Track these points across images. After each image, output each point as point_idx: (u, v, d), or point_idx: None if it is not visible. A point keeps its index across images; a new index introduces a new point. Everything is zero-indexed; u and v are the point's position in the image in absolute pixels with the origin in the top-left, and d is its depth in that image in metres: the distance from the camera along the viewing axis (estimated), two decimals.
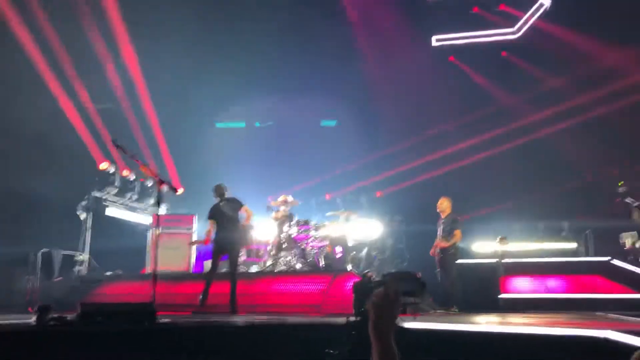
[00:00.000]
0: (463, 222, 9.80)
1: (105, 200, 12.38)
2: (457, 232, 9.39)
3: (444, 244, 9.35)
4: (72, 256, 11.36)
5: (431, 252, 9.69)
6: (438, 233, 9.61)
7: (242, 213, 9.06)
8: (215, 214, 8.81)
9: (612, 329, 4.37)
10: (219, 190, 8.93)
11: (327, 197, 13.99)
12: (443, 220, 9.59)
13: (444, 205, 9.67)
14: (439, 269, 9.50)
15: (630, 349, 3.89)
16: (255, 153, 14.84)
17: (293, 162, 14.67)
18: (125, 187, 12.89)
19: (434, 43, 15.04)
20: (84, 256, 11.45)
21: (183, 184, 12.90)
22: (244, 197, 9.12)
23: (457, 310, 9.00)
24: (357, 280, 5.06)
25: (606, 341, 4.11)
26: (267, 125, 16.47)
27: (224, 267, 9.18)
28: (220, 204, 8.82)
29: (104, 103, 13.88)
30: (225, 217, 8.71)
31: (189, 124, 15.20)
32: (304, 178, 14.03)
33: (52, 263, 10.85)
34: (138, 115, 13.99)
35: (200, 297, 8.31)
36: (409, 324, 5.08)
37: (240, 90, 14.84)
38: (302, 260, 10.27)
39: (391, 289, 1.76)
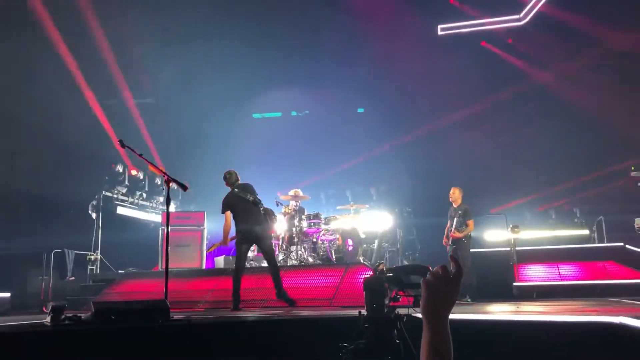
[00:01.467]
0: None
1: (116, 199, 12.46)
2: (470, 223, 9.35)
3: (458, 235, 9.30)
4: (85, 255, 11.44)
5: (444, 241, 9.65)
6: (450, 223, 9.56)
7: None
8: (230, 204, 7.90)
9: (627, 315, 4.33)
10: (231, 177, 8.04)
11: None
12: (456, 210, 9.53)
13: (456, 194, 9.63)
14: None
15: None
16: (267, 146, 14.78)
17: (305, 155, 14.65)
18: (134, 186, 12.99)
19: (439, 32, 14.93)
20: (96, 255, 11.52)
21: (192, 181, 12.93)
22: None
23: (469, 300, 8.97)
24: (368, 274, 5.04)
25: (622, 326, 4.07)
26: (303, 114, 16.40)
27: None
28: (235, 190, 7.97)
29: (144, 98, 14.07)
30: (244, 203, 7.86)
31: (224, 116, 15.15)
32: (314, 172, 14.00)
33: (65, 263, 10.93)
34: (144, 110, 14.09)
35: (232, 300, 7.62)
36: (421, 315, 5.06)
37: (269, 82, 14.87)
38: (314, 254, 10.28)
39: (456, 271, 1.60)
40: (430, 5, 14.73)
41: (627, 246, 10.66)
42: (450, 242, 9.45)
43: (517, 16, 14.53)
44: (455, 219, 9.44)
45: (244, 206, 7.89)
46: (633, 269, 10.14)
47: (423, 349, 1.56)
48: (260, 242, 8.04)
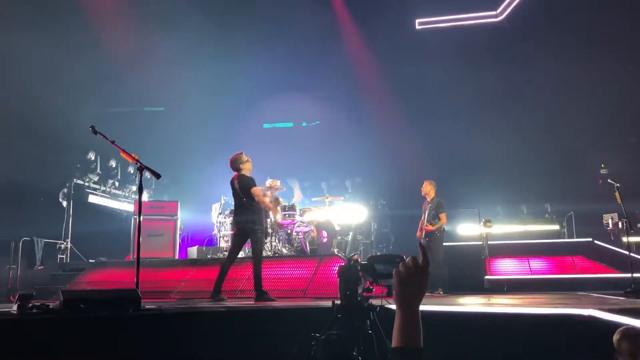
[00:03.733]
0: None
1: (88, 187, 12.23)
2: (443, 216, 9.41)
3: (430, 228, 9.37)
4: (55, 244, 11.22)
5: (418, 234, 9.71)
6: (423, 216, 9.62)
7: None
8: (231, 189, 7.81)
9: (596, 307, 4.42)
10: (233, 163, 7.80)
11: None
12: (429, 203, 9.59)
13: (427, 188, 9.68)
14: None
15: (614, 326, 3.93)
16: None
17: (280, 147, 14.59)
18: (106, 174, 12.77)
19: (417, 26, 14.98)
20: (67, 244, 11.30)
21: (165, 171, 12.77)
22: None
23: (441, 292, 9.06)
24: (342, 264, 5.04)
25: (591, 319, 4.14)
26: (314, 124, 16.36)
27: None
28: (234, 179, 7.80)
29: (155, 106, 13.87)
30: (237, 194, 7.74)
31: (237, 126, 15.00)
32: (289, 164, 13.92)
33: (34, 251, 10.70)
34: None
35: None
36: (394, 306, 5.08)
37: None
38: (288, 245, 10.25)
39: (422, 260, 1.65)
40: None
41: (596, 242, 10.91)
42: (423, 235, 9.50)
43: (494, 12, 14.65)
44: (427, 212, 9.50)
45: (236, 197, 7.81)
46: (601, 264, 10.39)
47: (395, 335, 1.63)
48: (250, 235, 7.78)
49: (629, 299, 6.81)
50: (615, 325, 3.90)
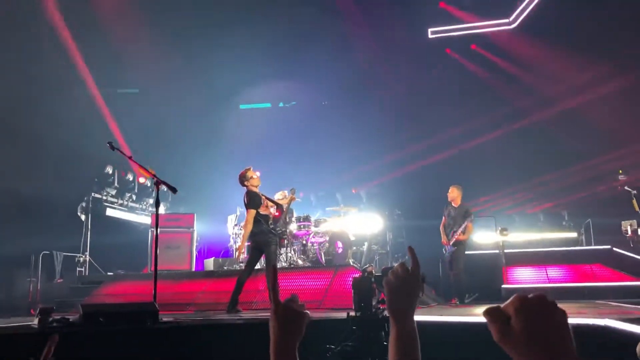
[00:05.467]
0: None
1: (105, 201, 12.41)
2: (470, 225, 9.35)
3: (462, 237, 9.27)
4: (74, 257, 11.38)
5: (443, 241, 9.60)
6: (445, 221, 9.53)
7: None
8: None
9: (612, 317, 4.39)
10: (240, 179, 7.94)
11: (354, 191, 13.87)
12: (455, 210, 9.50)
13: (455, 193, 9.54)
14: (449, 261, 9.49)
15: (630, 336, 3.91)
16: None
17: (293, 156, 14.63)
18: (124, 188, 12.95)
19: (430, 35, 15.01)
20: (85, 257, 11.46)
21: (181, 183, 12.91)
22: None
23: (457, 302, 9.02)
24: (357, 275, 5.07)
25: (606, 329, 4.12)
26: (290, 105, 16.42)
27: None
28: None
29: (128, 87, 14.18)
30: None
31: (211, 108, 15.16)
32: (304, 174, 13.97)
33: (54, 265, 10.88)
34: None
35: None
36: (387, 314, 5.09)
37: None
38: (303, 256, 10.29)
39: (413, 265, 1.56)
40: (420, 9, 14.79)
41: (614, 249, 10.77)
42: (451, 243, 9.42)
43: (506, 20, 14.63)
44: (455, 219, 9.41)
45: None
46: (620, 272, 10.25)
47: (390, 348, 1.53)
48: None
49: None
50: (631, 335, 3.88)
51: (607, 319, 4.25)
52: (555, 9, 13.75)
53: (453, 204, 9.59)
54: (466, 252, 9.65)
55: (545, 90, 14.01)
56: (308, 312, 1.54)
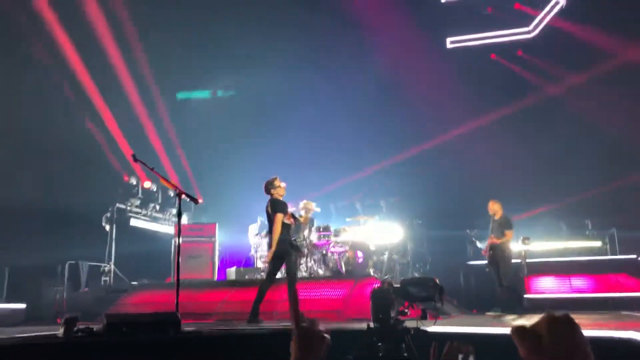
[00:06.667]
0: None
1: (129, 211, 12.61)
2: (508, 232, 9.36)
3: (496, 241, 9.35)
4: (99, 267, 11.58)
5: (483, 252, 9.71)
6: (491, 234, 9.61)
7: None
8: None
9: (637, 329, 4.34)
10: (266, 187, 7.98)
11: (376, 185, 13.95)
12: (496, 222, 9.57)
13: (495, 207, 9.65)
14: (488, 269, 9.50)
15: None
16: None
17: (313, 166, 14.69)
18: (147, 198, 13.15)
19: (448, 45, 14.99)
20: (110, 267, 11.65)
21: (204, 194, 13.10)
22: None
23: (499, 311, 8.98)
24: (375, 286, 5.09)
25: (630, 342, 4.08)
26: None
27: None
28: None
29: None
30: (268, 218, 7.92)
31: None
32: (323, 183, 14.03)
33: (79, 274, 11.08)
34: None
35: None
36: (431, 328, 5.09)
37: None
38: (324, 266, 10.32)
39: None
40: (439, 18, 14.80)
41: (639, 259, 10.60)
42: (488, 250, 9.49)
43: (526, 29, 14.54)
44: (498, 231, 9.46)
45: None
46: None
47: None
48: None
49: None
50: None
51: (631, 331, 4.21)
52: (575, 18, 13.67)
53: (495, 217, 9.64)
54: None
55: (568, 99, 13.88)
56: (328, 336, 1.54)
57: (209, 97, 16.62)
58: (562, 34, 13.84)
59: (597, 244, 11.97)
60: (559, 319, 1.07)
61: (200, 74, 15.24)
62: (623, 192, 12.60)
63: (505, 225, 9.39)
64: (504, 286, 9.18)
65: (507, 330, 5.26)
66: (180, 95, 16.37)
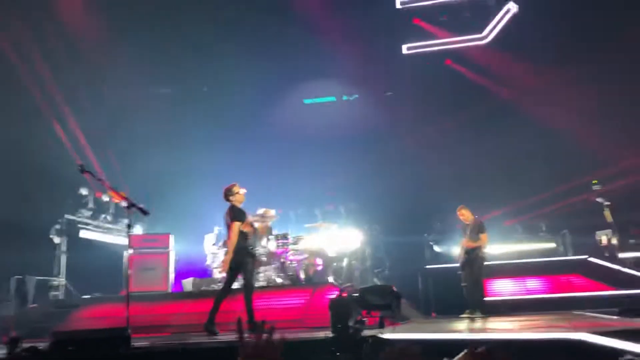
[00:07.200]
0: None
1: (80, 222, 12.19)
2: (483, 236, 9.42)
3: (471, 244, 9.38)
4: (48, 281, 11.13)
5: (459, 258, 9.73)
6: (464, 238, 9.64)
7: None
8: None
9: (587, 330, 4.41)
10: (225, 194, 7.77)
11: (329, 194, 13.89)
12: (470, 226, 9.61)
13: (464, 212, 9.69)
14: (461, 272, 9.55)
15: (604, 350, 3.93)
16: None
17: (271, 174, 14.58)
18: (99, 209, 12.74)
19: (405, 51, 15.15)
20: (60, 281, 11.22)
21: (159, 203, 12.80)
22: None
23: (479, 313, 9.03)
24: (334, 295, 5.03)
25: (581, 343, 4.13)
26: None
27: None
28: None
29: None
30: (227, 226, 7.71)
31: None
32: (281, 191, 13.93)
33: (26, 289, 10.61)
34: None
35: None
36: (388, 335, 5.06)
37: None
38: (283, 274, 10.20)
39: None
40: (394, 25, 14.97)
41: (591, 259, 10.91)
42: (463, 254, 9.52)
43: (480, 35, 14.85)
44: (468, 234, 9.53)
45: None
46: (597, 282, 10.37)
47: None
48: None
49: (623, 319, 6.80)
50: (605, 349, 3.90)
51: (582, 333, 4.27)
52: (528, 24, 14.02)
53: (467, 222, 9.70)
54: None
55: (521, 104, 14.21)
56: (281, 345, 1.47)
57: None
58: (515, 39, 14.18)
59: (551, 245, 12.28)
60: (480, 355, 1.08)
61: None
62: (573, 195, 12.97)
63: (480, 229, 9.49)
64: (477, 288, 9.26)
65: (461, 335, 5.25)
66: None
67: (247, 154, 14.93)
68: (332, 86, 16.03)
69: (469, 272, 9.38)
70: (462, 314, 9.19)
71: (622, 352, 3.66)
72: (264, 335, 1.44)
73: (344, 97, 16.37)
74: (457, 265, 10.29)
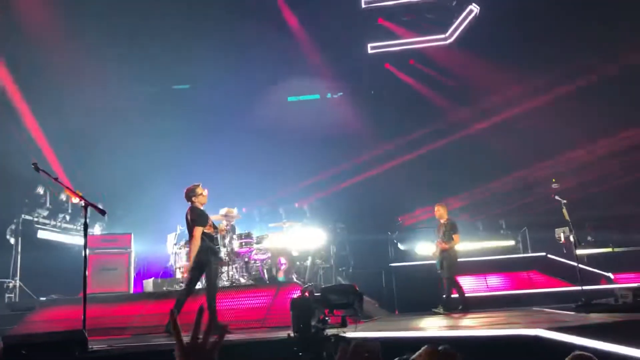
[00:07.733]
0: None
1: (37, 222, 11.83)
2: (456, 236, 9.67)
3: (445, 246, 9.61)
4: (2, 283, 10.77)
5: (433, 253, 9.96)
6: (438, 237, 9.87)
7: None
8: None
9: (544, 326, 4.49)
10: (186, 194, 7.62)
11: (297, 205, 13.86)
12: (444, 225, 9.83)
13: (441, 211, 9.96)
14: (440, 270, 9.74)
15: (559, 345, 4.01)
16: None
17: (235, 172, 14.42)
18: (57, 209, 12.39)
19: (369, 50, 15.23)
20: (15, 282, 10.87)
21: (119, 203, 12.54)
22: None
23: (442, 310, 9.30)
24: (295, 295, 5.00)
25: (537, 339, 4.21)
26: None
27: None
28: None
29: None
30: (187, 226, 7.61)
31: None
32: (246, 190, 13.79)
33: None
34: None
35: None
36: (350, 334, 5.06)
37: None
38: (246, 274, 10.12)
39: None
40: (359, 24, 15.04)
41: (549, 256, 11.18)
42: (437, 253, 9.73)
43: (443, 35, 15.03)
44: (442, 233, 9.75)
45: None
46: (555, 278, 10.63)
47: None
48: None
49: (578, 314, 6.97)
50: (560, 345, 3.98)
51: (538, 329, 4.35)
52: (489, 25, 14.26)
53: (442, 221, 9.91)
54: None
55: (481, 103, 14.46)
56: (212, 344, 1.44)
57: None
58: (476, 39, 14.41)
59: (511, 243, 12.52)
60: (438, 353, 1.08)
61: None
62: (531, 191, 13.26)
63: (453, 229, 9.71)
64: (451, 285, 9.49)
65: (420, 333, 5.30)
66: None
67: (213, 152, 14.75)
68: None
69: (442, 270, 9.61)
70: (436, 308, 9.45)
71: (575, 347, 3.74)
72: (203, 337, 1.39)
73: (328, 95, 16.45)
74: (422, 263, 10.47)
